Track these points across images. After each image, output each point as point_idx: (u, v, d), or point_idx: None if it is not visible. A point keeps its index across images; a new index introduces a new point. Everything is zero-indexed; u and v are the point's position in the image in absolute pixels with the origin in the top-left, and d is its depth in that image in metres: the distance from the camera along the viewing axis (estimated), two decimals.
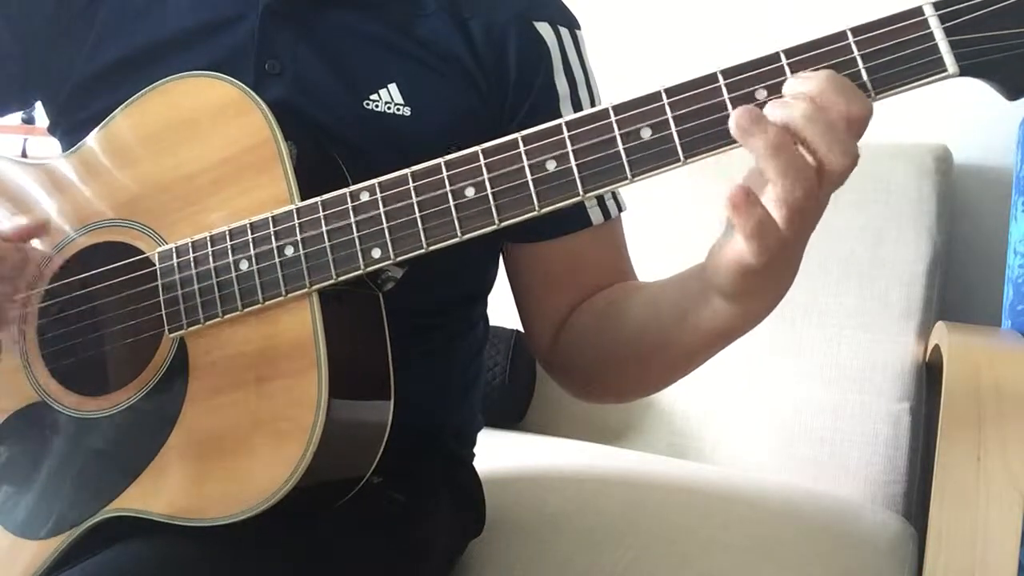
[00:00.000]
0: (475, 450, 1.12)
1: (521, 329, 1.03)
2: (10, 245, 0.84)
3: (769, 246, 0.66)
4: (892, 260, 1.45)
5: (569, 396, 1.02)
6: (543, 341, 0.99)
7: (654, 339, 0.85)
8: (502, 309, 1.06)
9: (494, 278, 1.07)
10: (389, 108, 0.90)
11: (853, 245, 1.47)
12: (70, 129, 0.95)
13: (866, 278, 1.45)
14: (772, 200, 0.65)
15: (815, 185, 0.64)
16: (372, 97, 0.90)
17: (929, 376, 1.41)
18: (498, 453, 1.27)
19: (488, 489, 1.09)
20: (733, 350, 0.83)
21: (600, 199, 0.95)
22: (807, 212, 0.65)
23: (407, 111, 0.90)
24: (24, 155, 2.19)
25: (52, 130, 1.01)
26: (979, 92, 0.69)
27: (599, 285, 0.96)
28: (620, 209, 0.98)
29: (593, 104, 0.96)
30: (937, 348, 1.31)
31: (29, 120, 2.36)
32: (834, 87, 0.64)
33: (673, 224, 1.47)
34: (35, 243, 0.88)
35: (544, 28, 0.95)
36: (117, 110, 0.87)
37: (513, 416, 1.60)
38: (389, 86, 0.90)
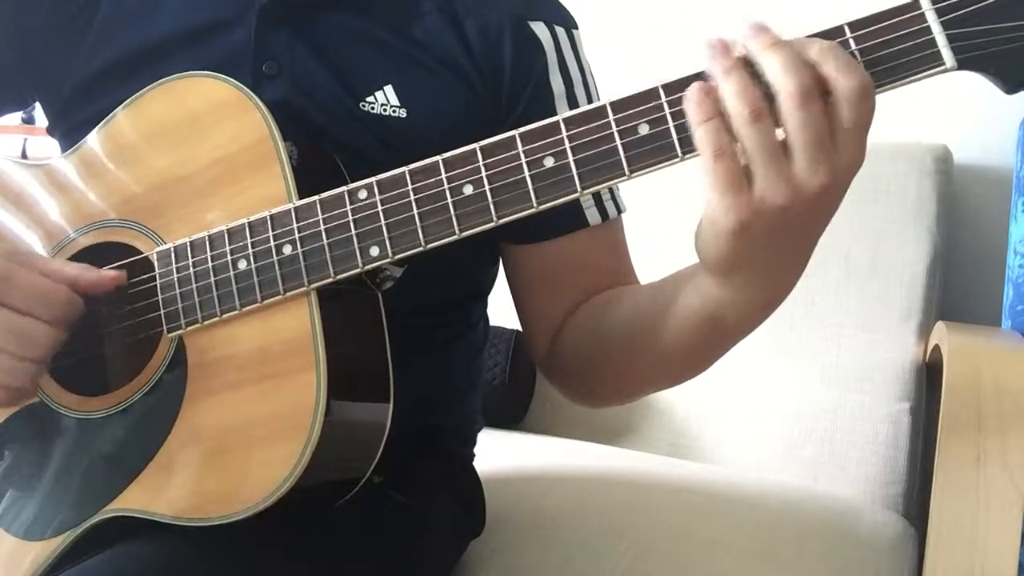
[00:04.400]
0: (475, 450, 1.12)
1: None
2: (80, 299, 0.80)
3: (737, 204, 0.65)
4: (892, 260, 1.45)
5: None
6: (541, 344, 0.98)
7: (641, 334, 0.83)
8: (502, 309, 1.06)
9: (494, 279, 1.07)
10: (385, 110, 0.90)
11: (853, 245, 1.47)
12: (69, 130, 0.95)
13: (866, 278, 1.45)
14: (737, 131, 0.64)
15: (772, 131, 0.64)
16: (368, 99, 0.90)
17: (929, 376, 1.41)
18: (498, 453, 1.27)
19: (488, 489, 1.09)
20: (733, 350, 0.82)
21: (598, 200, 0.95)
22: (777, 168, 0.64)
23: (403, 113, 0.90)
24: (24, 155, 2.20)
25: (51, 131, 1.01)
26: (979, 92, 0.69)
27: (597, 287, 0.95)
28: (619, 210, 0.98)
29: (591, 103, 0.96)
30: (937, 348, 1.31)
31: (29, 120, 2.35)
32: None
33: (673, 225, 1.47)
34: (35, 245, 0.88)
35: (539, 28, 0.95)
36: (116, 110, 0.87)
37: (513, 416, 1.60)
38: (385, 88, 0.90)
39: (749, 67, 0.65)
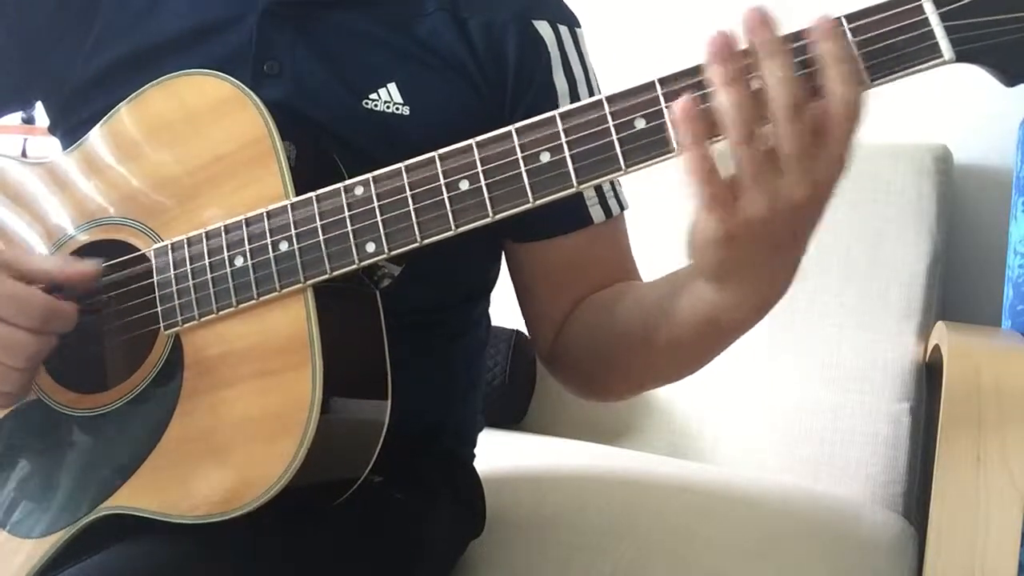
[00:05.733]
0: (475, 450, 1.11)
1: (521, 329, 1.03)
2: (72, 307, 0.80)
3: (723, 217, 0.65)
4: (892, 260, 1.45)
5: (569, 396, 1.01)
6: (544, 340, 0.98)
7: (639, 332, 0.84)
8: (502, 309, 1.06)
9: (495, 278, 1.07)
10: (388, 107, 0.90)
11: (853, 245, 1.46)
12: (70, 130, 0.95)
13: (866, 278, 1.45)
14: (730, 146, 0.64)
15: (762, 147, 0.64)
16: (371, 96, 0.90)
17: (929, 376, 1.40)
18: (498, 453, 1.26)
19: (488, 489, 1.08)
20: (732, 350, 0.82)
21: (601, 197, 0.95)
22: (764, 182, 0.64)
23: (406, 110, 0.90)
24: (24, 155, 2.20)
25: (52, 130, 1.01)
26: (980, 92, 0.68)
27: (601, 284, 0.95)
28: (622, 207, 0.98)
29: None
30: (937, 348, 1.31)
31: (29, 120, 2.36)
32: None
33: (676, 221, 1.46)
34: (34, 243, 0.88)
35: (543, 27, 0.95)
36: (115, 108, 0.87)
37: (513, 416, 1.60)
38: (388, 85, 0.90)
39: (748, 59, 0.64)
